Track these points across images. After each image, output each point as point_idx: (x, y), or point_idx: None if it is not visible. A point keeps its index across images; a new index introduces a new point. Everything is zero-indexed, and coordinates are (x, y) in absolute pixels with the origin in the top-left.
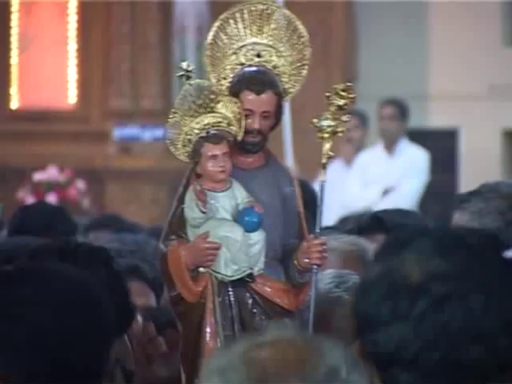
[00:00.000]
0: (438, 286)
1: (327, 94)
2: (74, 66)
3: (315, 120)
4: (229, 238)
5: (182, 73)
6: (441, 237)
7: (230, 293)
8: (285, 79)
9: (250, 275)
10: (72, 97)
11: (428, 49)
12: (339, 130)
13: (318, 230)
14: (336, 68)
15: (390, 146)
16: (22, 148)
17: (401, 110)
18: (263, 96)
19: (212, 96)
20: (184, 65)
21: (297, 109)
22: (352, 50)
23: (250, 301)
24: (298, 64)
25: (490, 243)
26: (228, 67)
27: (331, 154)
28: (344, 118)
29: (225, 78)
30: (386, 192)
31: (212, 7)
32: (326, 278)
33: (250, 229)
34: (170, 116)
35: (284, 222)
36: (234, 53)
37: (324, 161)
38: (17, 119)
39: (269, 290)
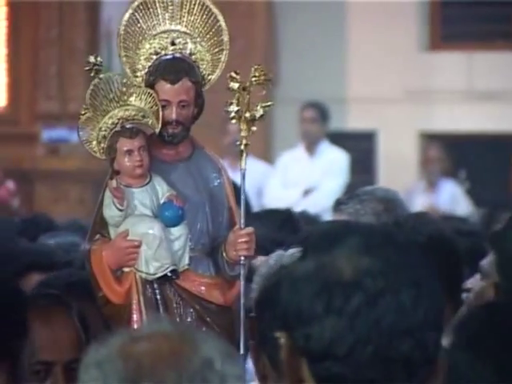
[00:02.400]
0: (370, 282)
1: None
2: (3, 70)
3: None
4: (148, 234)
5: (90, 67)
6: (369, 234)
7: (156, 291)
8: (203, 66)
9: (174, 272)
10: (1, 100)
11: (346, 52)
12: (255, 114)
13: (242, 220)
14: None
15: (311, 147)
16: None
17: (321, 112)
18: (178, 85)
19: (123, 89)
20: (92, 58)
21: (214, 110)
22: (272, 53)
23: (177, 298)
24: (216, 49)
25: (413, 241)
26: (142, 57)
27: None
28: (245, 100)
29: (140, 70)
30: (306, 192)
31: None
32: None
33: (170, 223)
34: (82, 112)
35: (213, 214)
36: (148, 42)
37: (241, 148)
38: None
39: (197, 285)
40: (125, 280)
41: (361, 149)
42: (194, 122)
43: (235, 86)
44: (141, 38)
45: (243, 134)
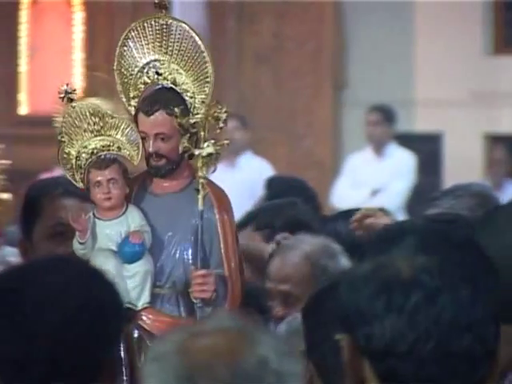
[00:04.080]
0: (428, 279)
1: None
2: (80, 75)
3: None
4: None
5: (63, 95)
6: (425, 234)
7: None
8: (189, 96)
9: (129, 310)
10: None
11: (413, 55)
12: (204, 152)
13: (198, 261)
14: (325, 75)
15: (379, 149)
16: (30, 152)
17: (386, 115)
18: (154, 117)
19: (95, 119)
20: (65, 87)
21: (287, 115)
22: (341, 56)
23: (137, 337)
24: (201, 81)
25: (469, 238)
26: (137, 87)
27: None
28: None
29: (133, 98)
30: (373, 193)
31: (211, 17)
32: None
33: (127, 260)
34: (58, 139)
35: (194, 251)
36: (139, 71)
37: (198, 187)
38: (25, 124)
39: (157, 325)
40: None
41: (427, 150)
42: (186, 154)
43: (183, 122)
44: (134, 67)
45: (199, 173)
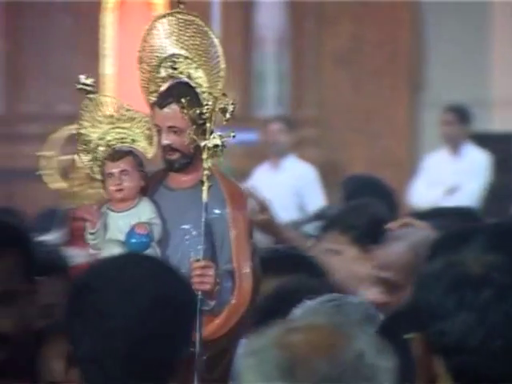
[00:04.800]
0: (498, 277)
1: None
2: None
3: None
4: None
5: (81, 86)
6: (495, 233)
7: None
8: (202, 91)
9: None
10: None
11: (490, 55)
12: (211, 143)
13: (200, 253)
14: (403, 76)
15: (454, 149)
16: None
17: (461, 115)
18: (166, 110)
19: (112, 111)
20: (82, 78)
21: (366, 115)
22: (418, 58)
23: None
24: (214, 76)
25: None
26: (156, 81)
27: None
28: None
29: (152, 93)
30: (448, 192)
31: (291, 19)
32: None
33: (132, 250)
34: (77, 132)
35: (206, 245)
36: (158, 66)
37: (203, 178)
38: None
39: None
40: None
41: (503, 150)
42: (192, 146)
43: (190, 113)
44: (154, 61)
45: (204, 164)
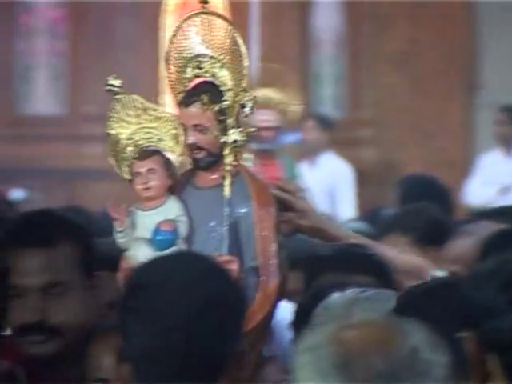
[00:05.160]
0: None
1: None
2: None
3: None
4: (134, 257)
5: (109, 87)
6: None
7: None
8: (227, 89)
9: None
10: None
11: None
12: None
13: (225, 247)
14: (459, 77)
15: (507, 148)
16: None
17: None
18: (191, 109)
19: (139, 111)
20: (110, 80)
21: (421, 116)
22: (475, 58)
23: None
24: (238, 74)
25: None
26: (182, 82)
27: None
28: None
29: (179, 93)
30: (502, 191)
31: (348, 21)
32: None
33: (158, 247)
34: (106, 133)
35: (231, 242)
36: (185, 66)
37: (224, 173)
38: None
39: None
40: None
41: None
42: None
43: (209, 109)
44: (180, 61)
45: (225, 160)
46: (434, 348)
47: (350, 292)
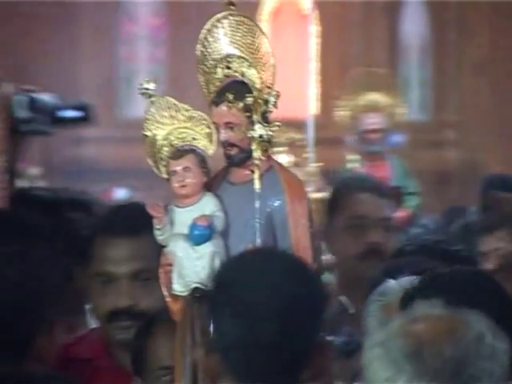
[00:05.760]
0: None
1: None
2: (315, 82)
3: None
4: (173, 252)
5: (143, 91)
6: None
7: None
8: (256, 88)
9: (198, 290)
10: (314, 108)
11: None
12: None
13: (256, 240)
14: None
15: None
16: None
17: None
18: (221, 107)
19: (173, 112)
20: (144, 83)
21: (503, 119)
22: None
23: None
24: (266, 73)
25: None
26: (213, 82)
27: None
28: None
29: (211, 93)
30: None
31: (433, 29)
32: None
33: (195, 242)
34: (144, 134)
35: (265, 236)
36: (215, 67)
37: (253, 168)
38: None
39: None
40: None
41: None
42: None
43: (235, 105)
44: (211, 61)
45: (253, 154)
46: (497, 335)
47: (405, 279)
